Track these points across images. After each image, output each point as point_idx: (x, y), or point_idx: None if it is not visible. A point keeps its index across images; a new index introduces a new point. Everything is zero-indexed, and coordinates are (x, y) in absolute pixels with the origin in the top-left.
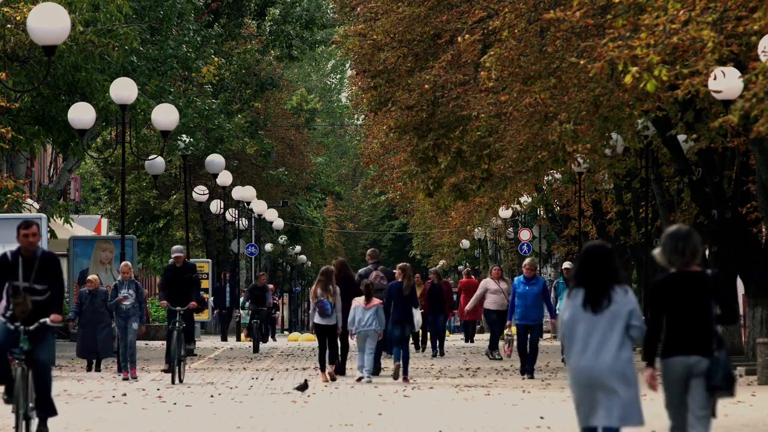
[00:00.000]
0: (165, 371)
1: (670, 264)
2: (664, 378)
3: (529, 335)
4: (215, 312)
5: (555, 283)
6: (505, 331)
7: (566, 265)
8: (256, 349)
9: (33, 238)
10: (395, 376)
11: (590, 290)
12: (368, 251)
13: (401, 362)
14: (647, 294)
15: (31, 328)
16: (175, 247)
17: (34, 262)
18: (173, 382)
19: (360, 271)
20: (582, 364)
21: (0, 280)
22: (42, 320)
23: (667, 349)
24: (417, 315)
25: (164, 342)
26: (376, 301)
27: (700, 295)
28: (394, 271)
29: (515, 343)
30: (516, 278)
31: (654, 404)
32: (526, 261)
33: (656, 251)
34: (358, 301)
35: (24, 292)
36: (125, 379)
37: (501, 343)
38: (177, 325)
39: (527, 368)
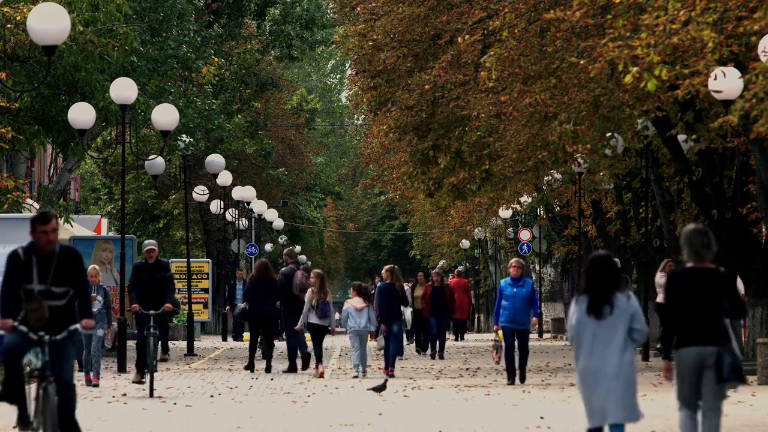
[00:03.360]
0: (136, 382)
1: (697, 257)
2: (679, 367)
3: (517, 340)
4: (227, 309)
5: None
6: (493, 337)
7: None
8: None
9: (52, 234)
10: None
11: (593, 298)
12: (285, 250)
13: (390, 358)
14: (666, 285)
15: (58, 337)
16: (147, 242)
17: (52, 261)
18: (151, 394)
19: (283, 270)
20: (588, 365)
21: (11, 283)
22: (72, 327)
23: (682, 340)
24: (407, 313)
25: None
26: (366, 302)
27: (714, 290)
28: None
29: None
30: (503, 280)
31: (654, 404)
32: (513, 260)
33: (684, 253)
34: (351, 303)
35: (40, 297)
36: (88, 383)
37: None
38: (152, 330)
39: (519, 373)
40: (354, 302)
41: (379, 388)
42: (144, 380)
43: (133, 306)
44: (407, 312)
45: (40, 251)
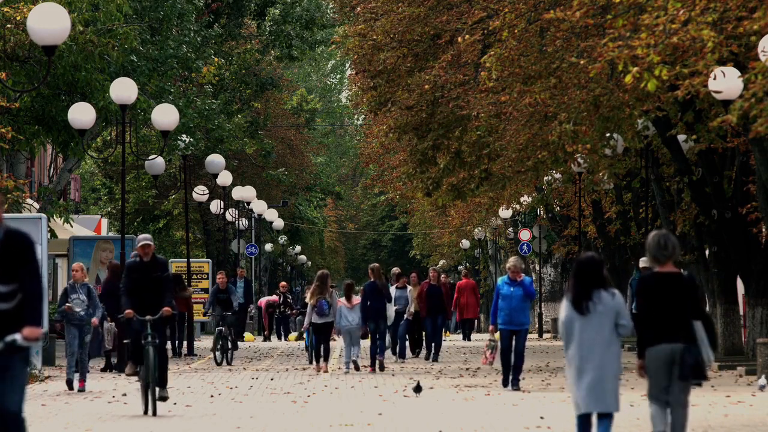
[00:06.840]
0: (131, 374)
1: (655, 260)
2: (651, 363)
3: (514, 341)
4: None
5: (631, 280)
6: (488, 337)
7: (643, 263)
8: (219, 362)
9: None
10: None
11: (573, 296)
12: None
13: (378, 355)
14: (637, 289)
15: None
16: (141, 236)
17: None
18: (146, 411)
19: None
20: (576, 358)
21: None
22: (9, 338)
23: (654, 338)
24: (390, 310)
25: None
26: (356, 300)
27: (679, 292)
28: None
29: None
30: (500, 278)
31: None
32: (511, 263)
33: (642, 259)
34: (342, 302)
35: None
36: (70, 387)
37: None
38: (150, 339)
39: (513, 378)
40: (345, 301)
41: (417, 389)
42: (138, 371)
43: (126, 312)
44: (391, 309)
45: None
